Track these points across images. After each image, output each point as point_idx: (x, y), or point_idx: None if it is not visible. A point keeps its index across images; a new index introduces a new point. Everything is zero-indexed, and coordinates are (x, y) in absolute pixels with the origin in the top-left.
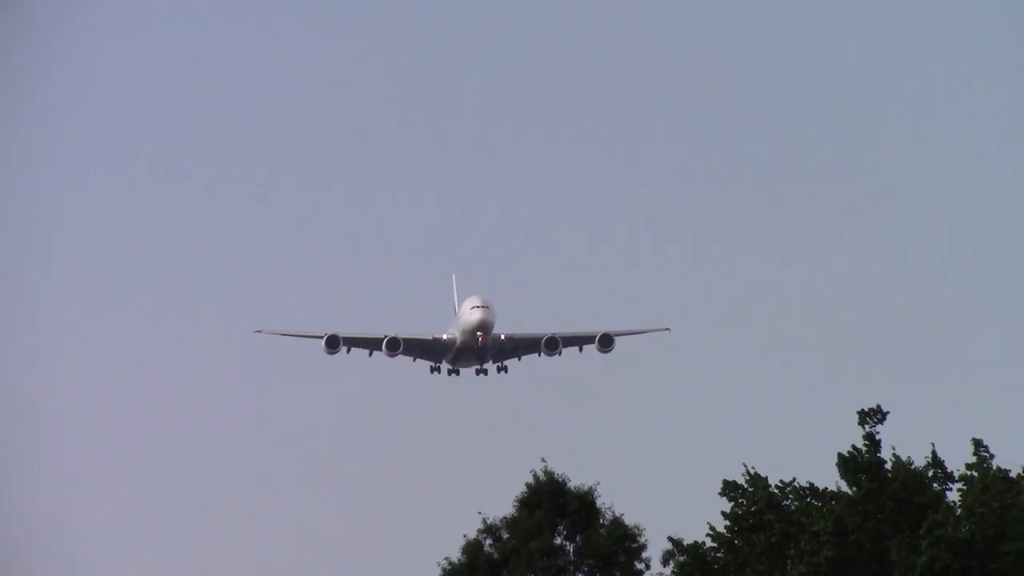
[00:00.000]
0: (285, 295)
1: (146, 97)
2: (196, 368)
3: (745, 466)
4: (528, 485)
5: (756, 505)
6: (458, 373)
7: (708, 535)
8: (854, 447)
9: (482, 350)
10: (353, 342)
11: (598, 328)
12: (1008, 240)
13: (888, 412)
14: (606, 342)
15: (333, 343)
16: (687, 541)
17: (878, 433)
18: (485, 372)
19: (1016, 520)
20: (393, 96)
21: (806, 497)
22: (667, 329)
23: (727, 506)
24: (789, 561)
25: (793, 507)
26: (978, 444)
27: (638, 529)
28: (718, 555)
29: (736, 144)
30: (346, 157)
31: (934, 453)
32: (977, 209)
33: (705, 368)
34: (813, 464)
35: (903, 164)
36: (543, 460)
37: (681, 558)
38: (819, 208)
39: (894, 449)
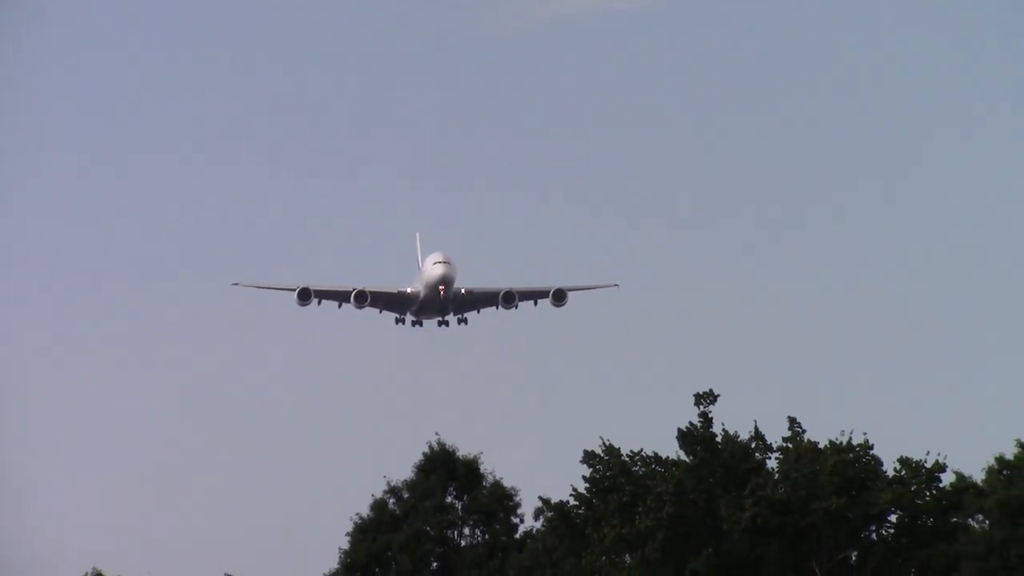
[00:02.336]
0: (261, 252)
1: (109, 59)
2: (177, 316)
3: (602, 439)
4: (424, 454)
5: (610, 471)
6: (421, 324)
7: (571, 495)
8: (691, 423)
9: (443, 303)
10: (323, 295)
11: (552, 284)
12: (825, 238)
13: (719, 395)
14: (559, 296)
15: (305, 295)
16: (554, 500)
17: (711, 412)
18: (447, 324)
19: (823, 483)
20: (357, 64)
21: (651, 464)
22: (616, 285)
23: (587, 471)
24: (637, 516)
25: (641, 472)
26: (792, 421)
27: (514, 490)
28: (580, 511)
29: (686, 108)
30: (319, 124)
31: (756, 428)
32: (822, 211)
33: (595, 338)
34: (658, 437)
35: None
36: (437, 433)
37: (549, 514)
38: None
39: (723, 425)
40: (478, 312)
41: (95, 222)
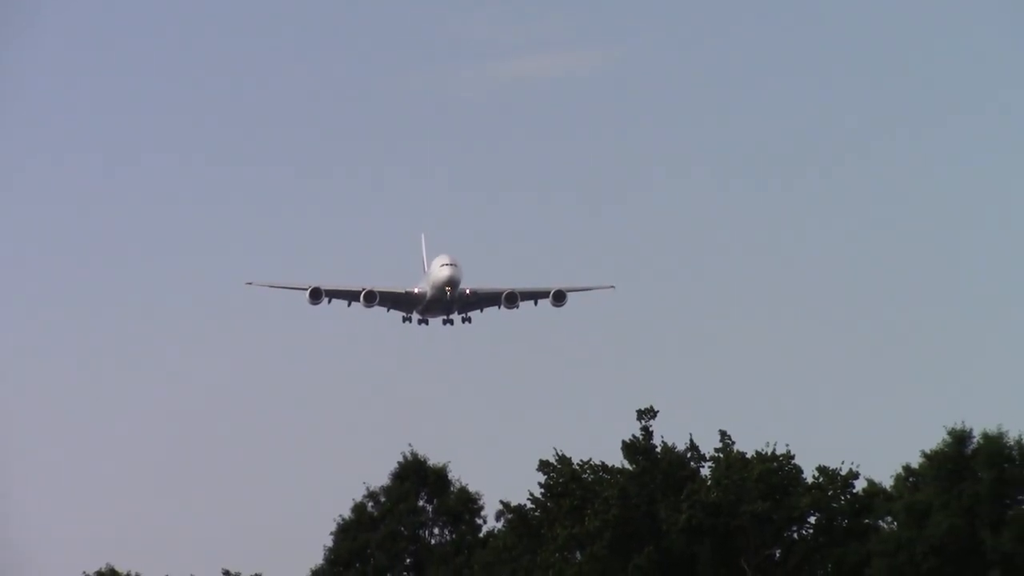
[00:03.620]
0: (267, 251)
1: (120, 64)
2: (193, 313)
3: (555, 449)
4: (399, 462)
5: (563, 478)
6: (427, 323)
7: (528, 499)
8: (633, 436)
9: (449, 303)
10: (334, 294)
11: (552, 284)
12: (735, 254)
13: (658, 411)
14: (559, 297)
15: (316, 295)
16: (514, 503)
17: (651, 426)
18: (451, 322)
19: (750, 489)
20: (359, 63)
21: (599, 472)
22: (611, 287)
23: (542, 478)
24: (587, 518)
25: (590, 479)
26: (723, 434)
27: (478, 495)
28: (536, 514)
29: (683, 112)
30: (327, 124)
31: (691, 440)
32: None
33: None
34: (606, 447)
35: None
36: (410, 444)
37: (509, 516)
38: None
39: (662, 437)
40: (481, 311)
41: (104, 222)
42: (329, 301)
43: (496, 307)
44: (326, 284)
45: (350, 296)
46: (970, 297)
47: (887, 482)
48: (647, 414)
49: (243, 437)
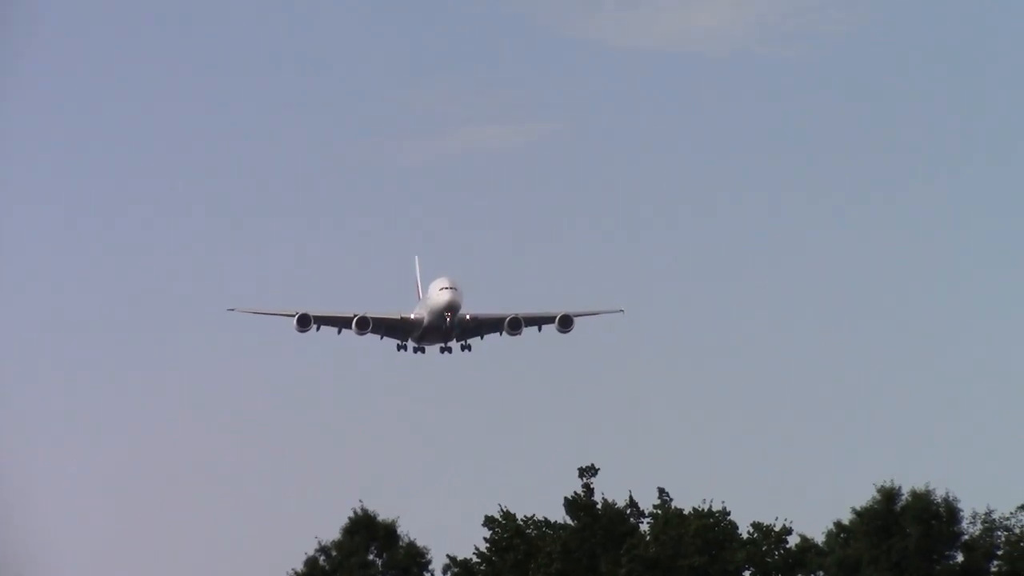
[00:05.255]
0: (255, 276)
1: (107, 75)
2: (172, 342)
3: (500, 505)
4: (350, 517)
5: (507, 533)
6: (423, 351)
7: (474, 554)
8: (575, 492)
9: (448, 329)
10: (323, 320)
11: (557, 309)
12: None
13: (599, 468)
14: (566, 322)
15: (304, 321)
16: (460, 557)
17: (592, 483)
18: (449, 350)
19: (688, 544)
20: (354, 82)
21: (542, 527)
22: (621, 311)
23: (487, 533)
24: (530, 572)
25: (533, 534)
26: (661, 491)
27: (426, 549)
28: (481, 568)
29: (692, 132)
30: (315, 144)
31: (631, 497)
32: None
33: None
34: (547, 504)
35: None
36: (360, 500)
37: (455, 570)
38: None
39: (603, 494)
40: (481, 338)
41: (82, 241)
42: (318, 328)
43: (498, 333)
44: (315, 310)
45: (341, 323)
46: (900, 357)
47: (819, 538)
48: (588, 472)
49: (196, 486)
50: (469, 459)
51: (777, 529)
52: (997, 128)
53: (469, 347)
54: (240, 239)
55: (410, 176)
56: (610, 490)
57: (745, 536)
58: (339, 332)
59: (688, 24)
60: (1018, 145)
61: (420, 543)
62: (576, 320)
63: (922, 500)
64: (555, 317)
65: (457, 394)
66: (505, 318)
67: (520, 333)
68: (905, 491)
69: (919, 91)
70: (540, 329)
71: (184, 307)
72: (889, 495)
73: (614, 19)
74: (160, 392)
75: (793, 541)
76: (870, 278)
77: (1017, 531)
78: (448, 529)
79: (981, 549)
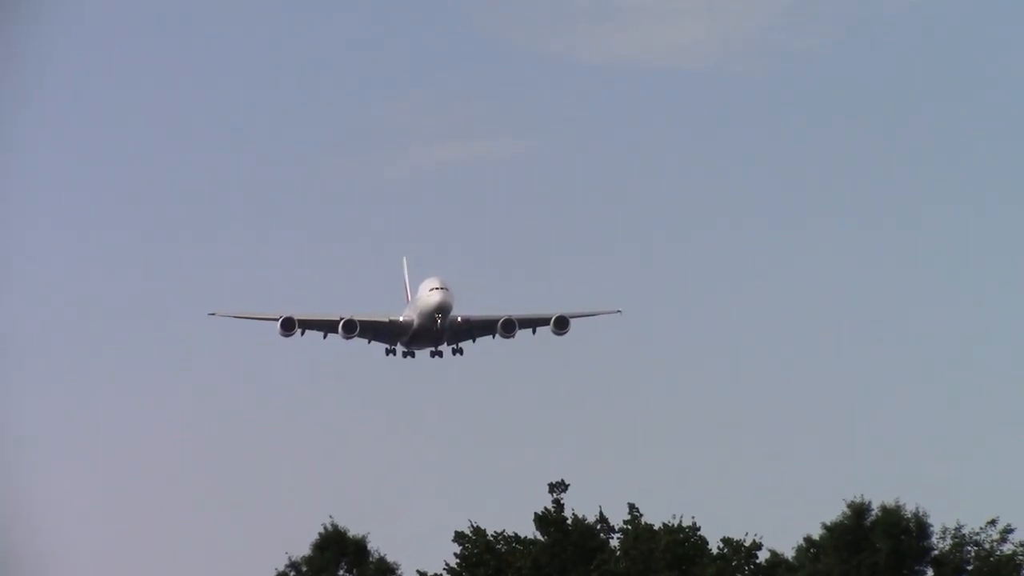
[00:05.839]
0: (236, 278)
1: (87, 82)
2: (148, 348)
3: (470, 521)
4: (320, 533)
5: (477, 548)
6: (413, 355)
7: (444, 569)
8: (545, 508)
9: (439, 332)
10: (308, 324)
11: (552, 310)
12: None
13: (569, 484)
14: (561, 324)
15: (288, 325)
16: (430, 573)
17: (562, 498)
18: (440, 354)
19: (657, 560)
20: (345, 76)
21: (512, 543)
22: (618, 311)
23: (458, 549)
24: None
25: (503, 550)
26: (632, 507)
27: (396, 565)
28: None
29: (689, 129)
30: (302, 139)
31: (601, 512)
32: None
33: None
34: (519, 520)
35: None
36: (330, 516)
37: None
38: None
39: (573, 509)
40: (473, 341)
41: (60, 246)
42: (303, 332)
43: (490, 336)
44: (300, 313)
45: (326, 326)
46: (871, 373)
47: (789, 553)
48: (558, 487)
49: (166, 500)
50: (442, 473)
51: (747, 544)
52: (970, 141)
53: (461, 351)
54: (221, 244)
55: (387, 187)
56: (580, 505)
57: (715, 551)
58: (324, 336)
59: (660, 39)
60: (990, 156)
61: (390, 559)
62: (572, 322)
63: (892, 515)
64: (550, 319)
65: (438, 405)
66: (498, 320)
67: (514, 335)
68: (875, 506)
69: (889, 106)
70: (535, 331)
71: (163, 311)
72: (859, 510)
73: (586, 34)
74: (131, 400)
75: (763, 556)
76: (839, 294)
77: (987, 546)
78: (418, 545)
79: (951, 564)
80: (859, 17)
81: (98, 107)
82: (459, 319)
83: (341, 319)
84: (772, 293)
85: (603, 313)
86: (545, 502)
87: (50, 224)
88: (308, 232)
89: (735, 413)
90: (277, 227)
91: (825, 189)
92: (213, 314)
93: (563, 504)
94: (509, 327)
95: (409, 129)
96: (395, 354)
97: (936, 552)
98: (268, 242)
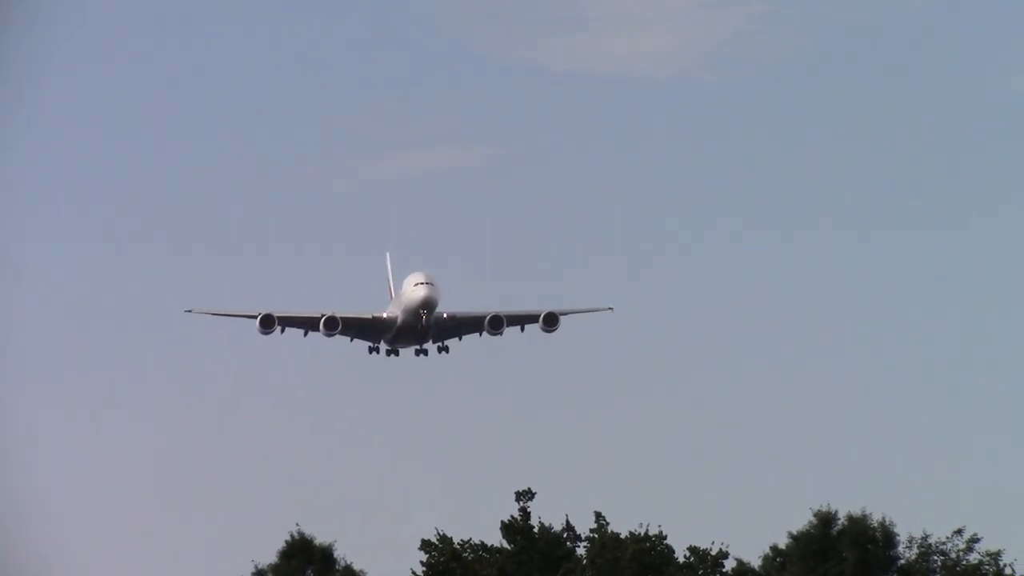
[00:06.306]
0: (213, 274)
1: (62, 84)
2: (116, 349)
3: (437, 529)
4: (287, 541)
5: (443, 556)
6: (397, 354)
7: None
8: (512, 516)
9: (424, 329)
10: (289, 321)
11: (541, 307)
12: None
13: (536, 492)
14: (551, 321)
15: (268, 322)
16: None
17: (529, 507)
18: (425, 352)
19: (624, 569)
20: (324, 75)
21: (479, 551)
22: (610, 308)
23: (424, 557)
24: None
25: (470, 558)
26: (598, 515)
27: (363, 572)
28: None
29: (679, 124)
30: (281, 133)
31: (567, 521)
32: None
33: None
34: (486, 528)
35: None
36: (297, 524)
37: None
38: None
39: (540, 518)
40: (459, 339)
41: (35, 242)
42: (283, 330)
43: (477, 333)
44: (279, 310)
45: (307, 324)
46: (836, 382)
47: (756, 562)
48: (525, 496)
49: (130, 505)
50: (411, 480)
51: (713, 553)
52: (941, 148)
53: (447, 349)
54: (201, 244)
55: (364, 191)
56: (547, 513)
57: (682, 560)
58: (305, 334)
59: (630, 47)
60: (960, 166)
61: (357, 567)
62: (562, 319)
63: (858, 524)
64: (539, 315)
65: (413, 409)
66: (485, 316)
67: (501, 333)
68: (841, 515)
69: (856, 114)
70: (523, 329)
71: (137, 308)
72: (825, 519)
73: (556, 44)
74: (94, 401)
75: (729, 565)
76: (803, 304)
77: (953, 556)
78: (385, 553)
79: (918, 574)
80: (828, 26)
81: (78, 108)
82: (445, 316)
83: (323, 316)
84: (737, 304)
85: (594, 310)
86: (512, 510)
87: (29, 223)
88: (292, 233)
89: (701, 422)
90: (261, 228)
91: (797, 193)
92: (190, 311)
93: (530, 512)
94: (497, 324)
95: (377, 138)
96: (378, 352)
97: (903, 561)
98: (250, 243)
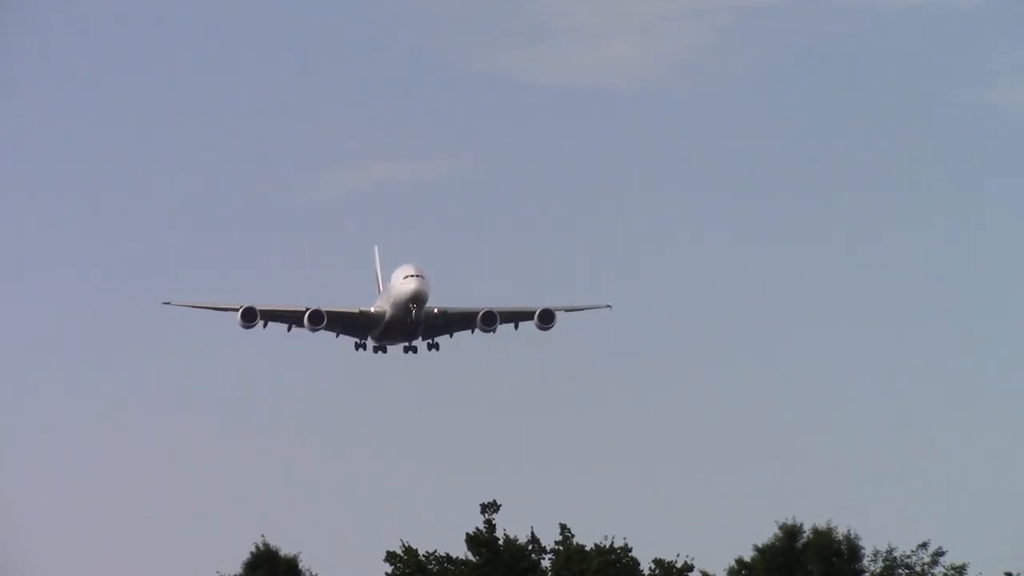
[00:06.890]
0: (195, 266)
1: (51, 72)
2: (101, 342)
3: (402, 540)
4: (252, 552)
5: (409, 568)
6: (385, 350)
7: None
8: (477, 528)
9: (413, 325)
10: (271, 315)
11: (537, 303)
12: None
13: (501, 504)
14: (546, 318)
15: (250, 316)
16: None
17: (494, 519)
18: (414, 350)
19: None
20: (307, 67)
21: (444, 563)
22: (608, 306)
23: (389, 568)
24: None
25: (435, 570)
26: (564, 527)
27: None
28: None
29: (676, 122)
30: (260, 127)
31: (532, 533)
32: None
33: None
34: (451, 539)
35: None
36: (262, 535)
37: None
38: None
39: (505, 530)
40: (450, 336)
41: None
42: (265, 324)
43: (469, 330)
44: (261, 303)
45: (291, 318)
46: (803, 393)
47: (721, 575)
48: (490, 508)
49: (93, 513)
50: (377, 490)
51: (679, 566)
52: (907, 156)
53: (437, 346)
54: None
55: (330, 200)
56: (512, 525)
57: (647, 573)
58: (289, 329)
59: (596, 59)
60: (925, 173)
61: None
62: (558, 316)
63: (824, 537)
64: (535, 312)
65: (387, 414)
66: (478, 312)
67: (494, 330)
68: (807, 528)
69: (823, 128)
70: (517, 327)
71: (112, 302)
72: (791, 532)
73: (521, 55)
74: (57, 396)
75: None
76: (774, 314)
77: (918, 569)
78: (350, 564)
79: None
80: (795, 38)
81: (56, 104)
82: (436, 311)
83: (307, 310)
84: (702, 314)
85: (592, 308)
86: (478, 522)
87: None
88: (278, 233)
89: (666, 434)
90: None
91: (765, 200)
92: (168, 303)
93: (495, 524)
94: (490, 320)
95: (341, 149)
96: (365, 349)
97: (867, 574)
98: (234, 239)
